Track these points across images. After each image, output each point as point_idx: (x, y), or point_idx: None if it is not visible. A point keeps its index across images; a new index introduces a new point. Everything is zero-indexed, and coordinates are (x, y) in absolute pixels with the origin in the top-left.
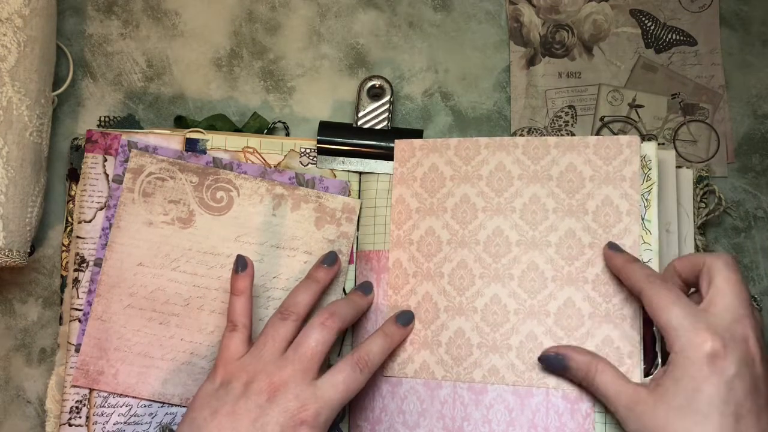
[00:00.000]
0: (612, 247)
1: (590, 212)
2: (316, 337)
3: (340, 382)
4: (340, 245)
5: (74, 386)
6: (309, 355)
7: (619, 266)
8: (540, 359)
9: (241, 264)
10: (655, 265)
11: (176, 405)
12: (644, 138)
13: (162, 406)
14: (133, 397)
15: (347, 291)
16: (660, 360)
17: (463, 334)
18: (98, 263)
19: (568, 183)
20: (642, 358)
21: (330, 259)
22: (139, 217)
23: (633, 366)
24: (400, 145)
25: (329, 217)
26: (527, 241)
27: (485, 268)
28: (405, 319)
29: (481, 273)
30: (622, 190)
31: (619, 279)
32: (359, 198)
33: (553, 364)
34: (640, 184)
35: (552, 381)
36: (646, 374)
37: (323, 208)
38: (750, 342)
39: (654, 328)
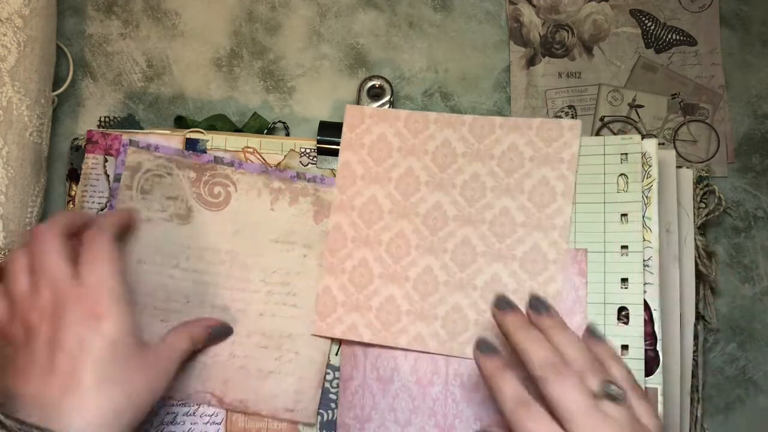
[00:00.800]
0: (482, 348)
1: (526, 191)
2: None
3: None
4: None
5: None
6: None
7: (487, 375)
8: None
9: None
10: (655, 265)
11: (177, 401)
12: (644, 137)
13: (163, 405)
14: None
15: None
16: (661, 359)
17: (394, 300)
18: None
19: (508, 162)
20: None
21: (217, 333)
22: (137, 214)
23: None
24: (350, 110)
25: (327, 210)
26: (464, 216)
27: (421, 240)
28: (217, 334)
29: (417, 244)
30: (560, 172)
31: (547, 257)
32: None
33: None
34: (576, 167)
35: (471, 352)
36: (648, 374)
37: (321, 201)
38: None
39: (655, 327)
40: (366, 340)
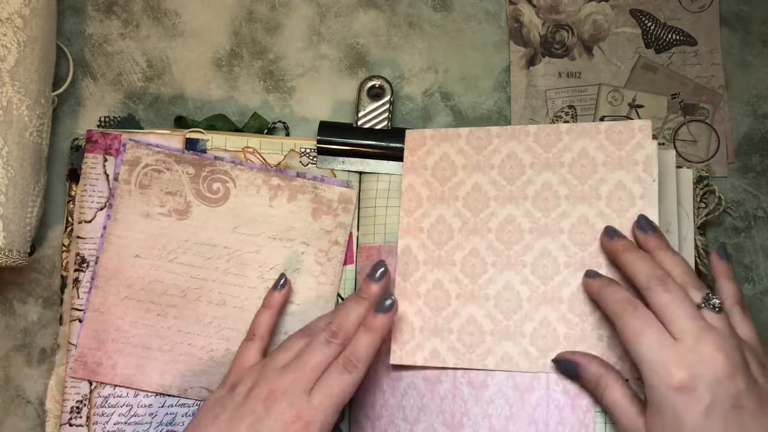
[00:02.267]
0: (588, 274)
1: (603, 197)
2: (321, 351)
3: (331, 388)
4: (337, 235)
5: (72, 378)
6: (310, 366)
7: (595, 292)
8: (554, 361)
9: (282, 282)
10: None
11: (174, 396)
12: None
13: (162, 406)
14: (132, 388)
15: (343, 296)
16: None
17: (475, 321)
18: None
19: (580, 169)
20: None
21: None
22: (135, 209)
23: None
24: (411, 135)
25: (326, 207)
26: (540, 228)
27: (497, 256)
28: (384, 306)
29: (494, 260)
30: (636, 174)
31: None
32: (359, 198)
33: (567, 369)
34: (653, 168)
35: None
36: None
37: (320, 198)
38: (718, 361)
39: None
40: (450, 365)
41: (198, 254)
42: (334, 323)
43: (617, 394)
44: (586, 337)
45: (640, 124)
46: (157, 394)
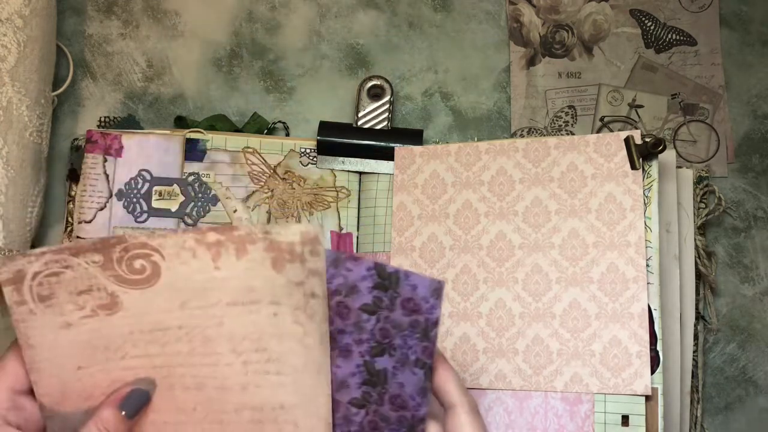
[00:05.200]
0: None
1: (593, 210)
2: None
3: None
4: (312, 286)
5: None
6: None
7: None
8: None
9: (135, 405)
10: (655, 264)
11: None
12: (644, 136)
13: None
14: None
15: None
16: (661, 359)
17: (468, 339)
18: None
19: (570, 183)
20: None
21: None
22: (48, 326)
23: (642, 366)
24: (400, 152)
25: (287, 254)
26: (530, 243)
27: (489, 273)
28: (131, 407)
29: (485, 277)
30: (625, 186)
31: (626, 276)
32: (359, 198)
33: None
34: (642, 180)
35: (560, 385)
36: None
37: (276, 245)
38: None
39: (655, 327)
40: None
41: (151, 342)
42: None
43: None
44: (579, 353)
45: (627, 136)
46: None
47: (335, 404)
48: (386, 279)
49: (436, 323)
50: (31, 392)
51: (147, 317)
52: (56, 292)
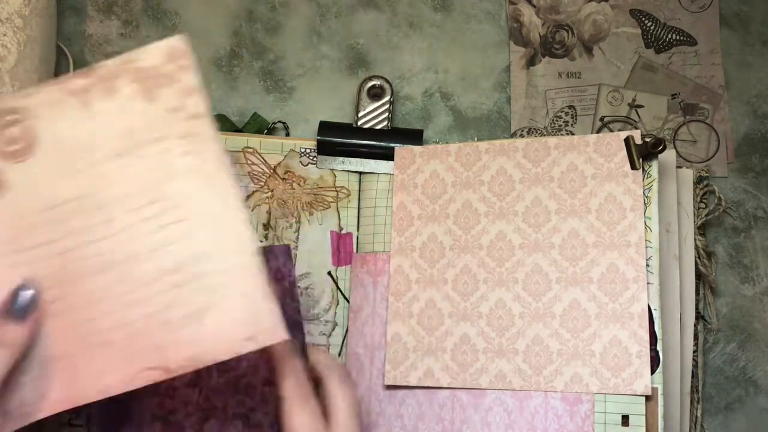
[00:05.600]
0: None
1: (593, 210)
2: None
3: None
4: (192, 107)
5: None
6: None
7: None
8: None
9: (24, 304)
10: (655, 264)
11: (117, 393)
12: (644, 136)
13: None
14: (77, 404)
15: (345, 294)
16: (661, 359)
17: (469, 339)
18: None
19: (569, 183)
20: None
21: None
22: None
23: (642, 366)
24: (400, 152)
25: (156, 79)
26: (530, 243)
27: (489, 273)
28: (19, 310)
29: (485, 277)
30: (625, 186)
31: (626, 276)
32: (359, 198)
33: None
34: (642, 180)
35: (560, 385)
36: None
37: (142, 72)
38: None
39: (655, 327)
40: (445, 384)
41: (47, 225)
42: None
43: None
44: (579, 353)
45: (628, 135)
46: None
47: None
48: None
49: (295, 282)
50: None
51: (36, 195)
52: None
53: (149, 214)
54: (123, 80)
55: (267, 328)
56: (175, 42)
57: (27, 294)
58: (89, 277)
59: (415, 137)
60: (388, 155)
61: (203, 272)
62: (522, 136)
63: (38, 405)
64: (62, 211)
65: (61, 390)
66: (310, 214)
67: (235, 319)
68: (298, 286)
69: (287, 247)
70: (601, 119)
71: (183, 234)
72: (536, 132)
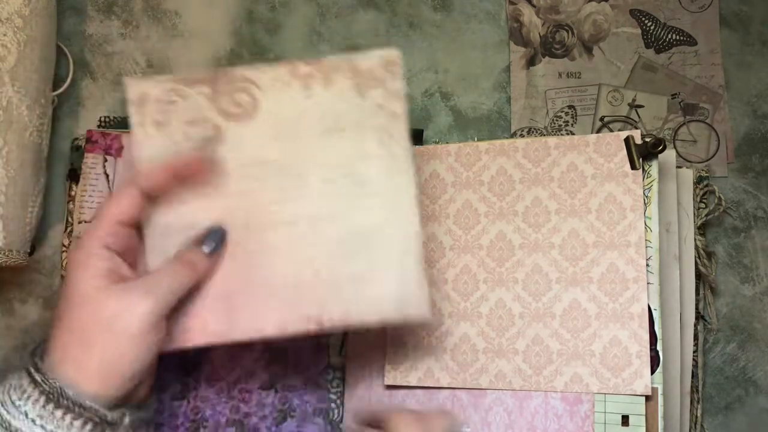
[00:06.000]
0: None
1: (593, 211)
2: None
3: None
4: (393, 107)
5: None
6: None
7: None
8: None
9: (214, 244)
10: (655, 264)
11: (271, 336)
12: (644, 136)
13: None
14: (227, 341)
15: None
16: (661, 359)
17: (468, 339)
18: None
19: (569, 183)
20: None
21: (213, 240)
22: (160, 150)
23: (642, 366)
24: None
25: (369, 79)
26: (530, 243)
27: (489, 273)
28: (211, 243)
29: (485, 278)
30: (625, 186)
31: (626, 276)
32: None
33: None
34: (642, 180)
35: (560, 385)
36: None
37: (359, 71)
38: None
39: (655, 327)
40: (444, 384)
41: (250, 178)
42: None
43: None
44: (579, 353)
45: (627, 135)
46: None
47: None
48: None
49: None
50: (134, 226)
51: (247, 151)
52: (170, 120)
53: (340, 185)
54: (341, 75)
55: (414, 305)
56: (391, 53)
57: (218, 232)
58: (272, 230)
59: (415, 137)
60: None
61: (374, 244)
62: (522, 136)
63: (197, 333)
64: (264, 170)
65: (221, 324)
66: None
67: (391, 290)
68: None
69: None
70: (601, 119)
71: (364, 207)
72: (536, 132)
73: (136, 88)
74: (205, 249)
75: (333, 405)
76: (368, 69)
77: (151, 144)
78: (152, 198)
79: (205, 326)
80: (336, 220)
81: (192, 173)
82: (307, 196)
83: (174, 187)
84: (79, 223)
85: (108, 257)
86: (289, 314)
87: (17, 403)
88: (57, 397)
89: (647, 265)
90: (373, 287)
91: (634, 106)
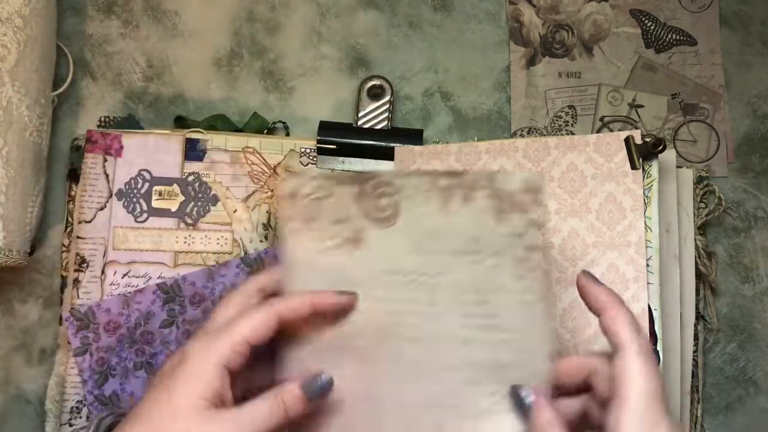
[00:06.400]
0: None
1: (593, 211)
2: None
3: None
4: (531, 238)
5: None
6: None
7: (582, 285)
8: (512, 387)
9: (319, 386)
10: (655, 264)
11: None
12: (644, 136)
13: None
14: None
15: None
16: (661, 359)
17: None
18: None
19: (569, 183)
20: (644, 210)
21: (313, 389)
22: (307, 246)
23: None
24: (400, 152)
25: (509, 203)
26: None
27: None
28: (314, 390)
29: None
30: (625, 186)
31: (626, 276)
32: None
33: (518, 398)
34: (642, 180)
35: None
36: None
37: (500, 194)
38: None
39: (655, 327)
40: None
41: (386, 286)
42: None
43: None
44: (579, 353)
45: (627, 135)
46: None
47: None
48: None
49: None
50: (258, 347)
51: (385, 258)
52: (318, 216)
53: (473, 312)
54: (481, 193)
55: None
56: (535, 178)
57: (325, 382)
58: (401, 341)
59: (415, 137)
60: (388, 155)
61: (498, 380)
62: (522, 136)
63: None
64: (400, 279)
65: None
66: None
67: (506, 429)
68: None
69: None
70: (601, 119)
71: (496, 341)
72: (536, 132)
73: (289, 183)
74: (305, 391)
75: None
76: (509, 193)
77: (299, 238)
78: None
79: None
80: (464, 347)
81: (331, 311)
82: (437, 316)
83: (311, 320)
84: (79, 223)
85: (222, 377)
86: None
87: None
88: None
89: (647, 265)
90: (493, 427)
91: (634, 106)
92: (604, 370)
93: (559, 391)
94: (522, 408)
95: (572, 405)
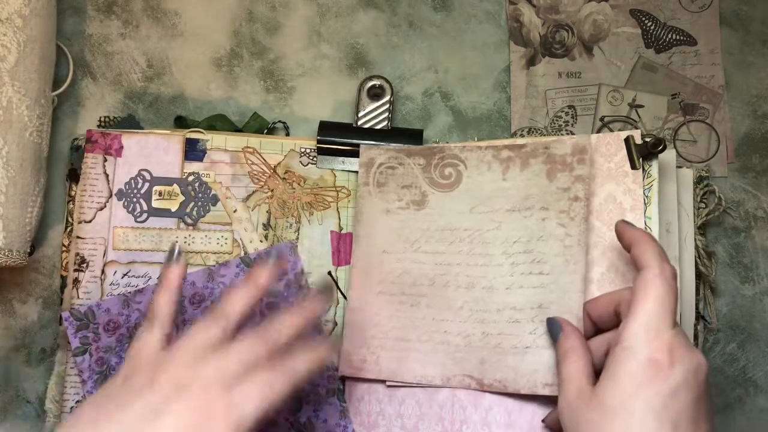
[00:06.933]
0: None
1: (593, 210)
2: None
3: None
4: (576, 191)
5: (341, 377)
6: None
7: (630, 239)
8: (548, 320)
9: (175, 255)
10: None
11: (437, 386)
12: (644, 136)
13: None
14: (396, 382)
15: (345, 294)
16: None
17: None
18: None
19: None
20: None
21: (275, 256)
22: (376, 207)
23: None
24: (364, 150)
25: (560, 164)
26: None
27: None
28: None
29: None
30: (625, 186)
31: (626, 277)
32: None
33: (553, 330)
34: (642, 179)
35: None
36: None
37: (552, 157)
38: (699, 356)
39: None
40: (439, 382)
41: (440, 241)
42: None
43: (575, 367)
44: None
45: (627, 135)
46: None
47: None
48: (252, 265)
49: (302, 272)
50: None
51: (442, 218)
52: (389, 182)
53: (519, 260)
54: (537, 160)
55: None
56: (582, 140)
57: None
58: (453, 288)
59: (415, 137)
60: None
61: (539, 319)
62: (522, 135)
63: (371, 366)
64: (456, 235)
65: (392, 363)
66: (310, 214)
67: (546, 366)
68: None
69: (291, 244)
70: (601, 119)
71: (537, 285)
72: (536, 132)
73: (367, 153)
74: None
75: (340, 383)
76: (561, 155)
77: (371, 200)
78: None
79: (378, 362)
80: (510, 291)
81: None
82: (489, 266)
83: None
84: (79, 222)
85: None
86: (455, 368)
87: None
88: None
89: None
90: (531, 360)
91: (634, 106)
92: (629, 298)
93: (596, 327)
94: (553, 338)
95: (605, 339)
